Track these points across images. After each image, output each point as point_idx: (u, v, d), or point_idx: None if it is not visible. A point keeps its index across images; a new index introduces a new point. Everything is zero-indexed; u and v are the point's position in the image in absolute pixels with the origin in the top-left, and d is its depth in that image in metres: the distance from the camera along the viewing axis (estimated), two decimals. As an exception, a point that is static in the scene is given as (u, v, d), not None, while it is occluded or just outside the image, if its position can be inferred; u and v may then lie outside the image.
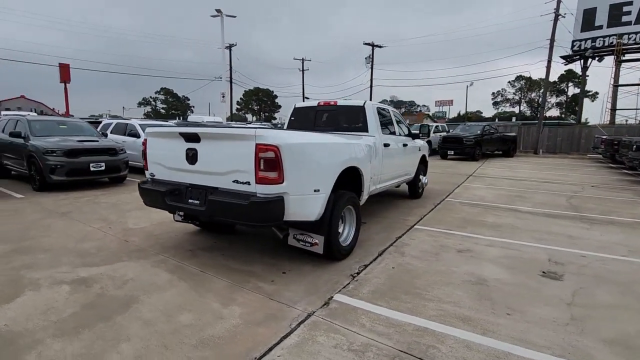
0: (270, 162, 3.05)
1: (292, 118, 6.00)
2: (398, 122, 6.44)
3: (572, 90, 58.76)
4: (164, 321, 2.62)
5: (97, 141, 8.36)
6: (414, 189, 7.34)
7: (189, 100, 64.26)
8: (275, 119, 62.15)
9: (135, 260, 3.81)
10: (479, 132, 17.76)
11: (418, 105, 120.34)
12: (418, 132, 6.93)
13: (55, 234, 4.67)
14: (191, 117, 26.85)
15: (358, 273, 3.58)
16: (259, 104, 66.22)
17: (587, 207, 6.92)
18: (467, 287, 3.30)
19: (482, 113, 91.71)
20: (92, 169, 7.70)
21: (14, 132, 8.07)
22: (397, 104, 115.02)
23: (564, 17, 21.96)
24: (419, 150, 7.16)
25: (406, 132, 6.77)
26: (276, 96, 63.64)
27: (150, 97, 65.49)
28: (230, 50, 30.44)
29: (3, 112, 23.18)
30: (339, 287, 3.25)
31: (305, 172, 3.29)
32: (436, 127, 20.62)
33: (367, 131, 5.25)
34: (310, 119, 5.80)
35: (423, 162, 7.63)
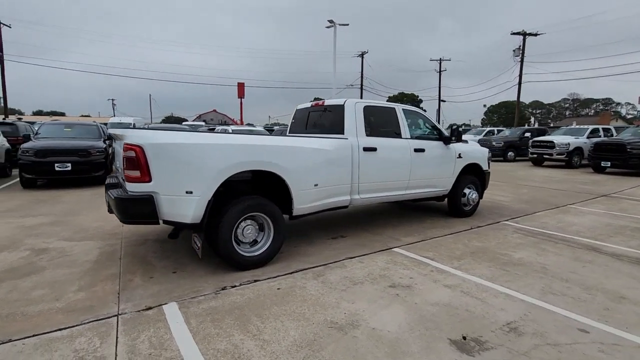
0: (132, 161, 3.16)
1: (293, 120, 5.83)
2: (413, 123, 5.40)
3: None
4: (21, 292, 3.09)
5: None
6: (455, 206, 5.97)
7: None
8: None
9: (97, 240, 4.53)
10: (658, 137, 12.73)
11: (618, 103, 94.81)
12: (449, 134, 5.62)
13: (92, 215, 5.96)
14: None
15: (233, 287, 3.26)
16: (402, 109, 64.84)
17: None
18: (314, 329, 2.58)
19: None
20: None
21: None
22: (584, 102, 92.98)
23: None
24: (458, 157, 5.78)
25: (435, 136, 5.61)
26: (421, 100, 61.06)
27: (306, 106, 73.37)
28: (362, 57, 31.13)
29: (184, 123, 30.01)
30: (189, 295, 3.07)
31: (174, 173, 3.23)
32: (593, 129, 15.79)
33: (342, 133, 4.65)
34: (304, 120, 5.52)
35: (473, 173, 6.13)
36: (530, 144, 16.36)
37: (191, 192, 3.28)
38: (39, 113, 67.22)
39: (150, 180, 3.18)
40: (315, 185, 4.08)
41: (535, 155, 15.96)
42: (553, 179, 11.72)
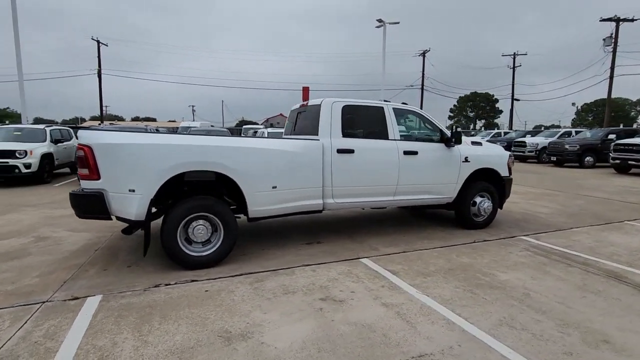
0: (82, 160, 3.39)
1: (288, 121, 5.75)
2: (406, 124, 4.95)
3: None
4: (-7, 273, 3.50)
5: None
6: (462, 216, 5.32)
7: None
8: (494, 125, 54.93)
9: (93, 232, 4.95)
10: None
11: None
12: (450, 135, 5.01)
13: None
14: None
15: (167, 285, 3.30)
16: (475, 109, 60.14)
17: None
18: (202, 336, 2.47)
19: None
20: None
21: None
22: None
23: None
24: (465, 161, 5.13)
25: (436, 137, 5.08)
26: (496, 100, 55.94)
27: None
28: (424, 56, 29.58)
29: (244, 126, 31.61)
30: (121, 289, 3.17)
31: (118, 171, 3.38)
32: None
33: (317, 134, 4.45)
34: (294, 121, 5.41)
35: (488, 180, 5.41)
36: (612, 148, 13.95)
37: (134, 190, 3.40)
38: (136, 119, 76.86)
39: (99, 178, 3.38)
40: (274, 187, 3.95)
41: (617, 161, 13.56)
42: (631, 189, 9.83)
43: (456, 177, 5.12)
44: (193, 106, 68.32)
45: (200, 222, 3.71)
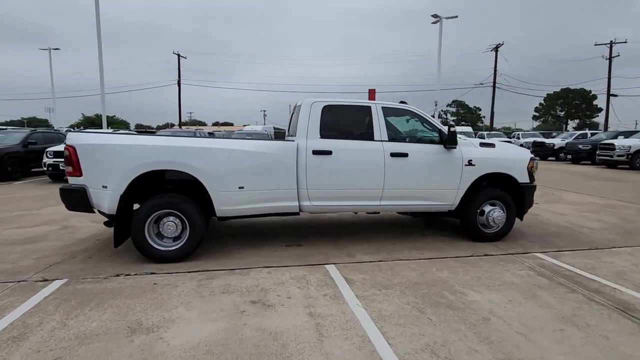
0: (67, 159, 3.81)
1: (288, 122, 5.75)
2: (398, 124, 4.61)
3: None
4: (4, 254, 4.11)
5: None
6: (467, 226, 4.77)
7: (480, 110, 61.42)
8: (592, 125, 47.89)
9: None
10: None
11: None
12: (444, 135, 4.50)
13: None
14: (461, 129, 25.97)
15: (127, 275, 3.53)
16: (565, 107, 52.77)
17: None
18: (113, 325, 2.59)
19: None
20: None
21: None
22: None
23: None
24: (468, 164, 4.58)
25: (436, 138, 4.64)
26: (594, 97, 48.35)
27: (442, 110, 68.62)
28: (496, 51, 26.96)
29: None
30: (87, 275, 3.49)
31: (94, 169, 3.72)
32: None
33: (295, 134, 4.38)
34: (289, 122, 5.40)
35: (502, 186, 4.77)
36: None
37: (106, 187, 3.72)
38: (216, 123, 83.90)
39: (81, 175, 3.78)
40: (241, 187, 3.98)
41: None
42: None
43: (457, 182, 4.60)
44: (264, 111, 72.35)
45: (170, 218, 3.90)
